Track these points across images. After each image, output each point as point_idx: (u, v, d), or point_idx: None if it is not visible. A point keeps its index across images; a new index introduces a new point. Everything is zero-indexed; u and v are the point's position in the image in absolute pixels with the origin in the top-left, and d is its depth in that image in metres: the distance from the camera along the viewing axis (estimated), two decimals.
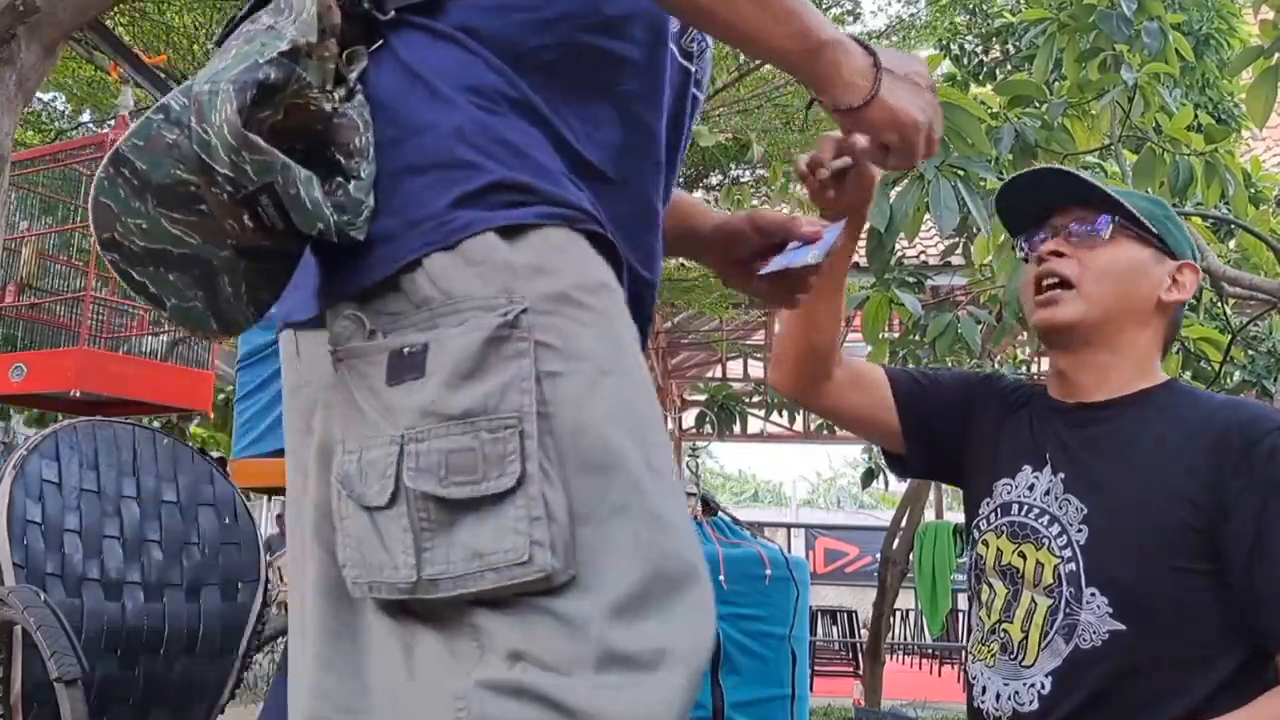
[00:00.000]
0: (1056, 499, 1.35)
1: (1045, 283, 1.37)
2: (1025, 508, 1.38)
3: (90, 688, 1.67)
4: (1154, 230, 1.36)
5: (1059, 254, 1.36)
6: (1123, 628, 1.26)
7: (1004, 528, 1.39)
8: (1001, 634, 1.37)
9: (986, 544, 1.41)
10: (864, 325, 2.99)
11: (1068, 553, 1.31)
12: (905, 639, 10.64)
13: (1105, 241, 1.35)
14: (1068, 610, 1.30)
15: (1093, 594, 1.28)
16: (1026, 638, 1.33)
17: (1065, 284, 1.35)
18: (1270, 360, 4.62)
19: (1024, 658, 1.33)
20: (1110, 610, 1.27)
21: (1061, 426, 1.39)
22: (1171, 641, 1.25)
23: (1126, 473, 1.31)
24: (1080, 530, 1.31)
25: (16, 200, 3.43)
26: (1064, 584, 1.31)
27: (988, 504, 1.43)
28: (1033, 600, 1.34)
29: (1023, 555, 1.36)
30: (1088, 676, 1.28)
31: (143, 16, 6.55)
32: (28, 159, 3.51)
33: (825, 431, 11.88)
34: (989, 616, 1.39)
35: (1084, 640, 1.28)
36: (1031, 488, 1.38)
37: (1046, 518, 1.35)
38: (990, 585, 1.40)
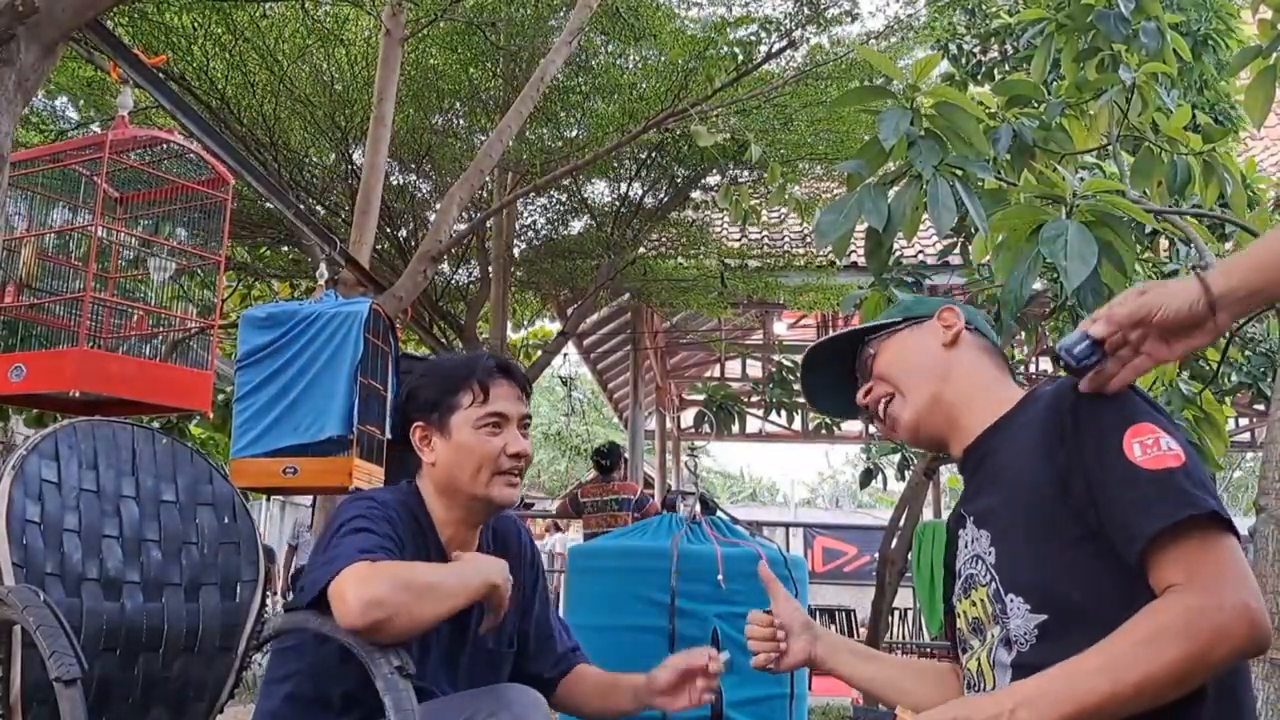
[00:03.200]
0: (975, 540, 1.44)
1: (878, 413, 1.59)
2: (964, 562, 1.47)
3: (89, 687, 1.67)
4: (898, 318, 1.60)
5: (868, 391, 1.59)
6: (1045, 617, 1.31)
7: (960, 591, 1.48)
8: (969, 676, 1.45)
9: (956, 613, 1.51)
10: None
11: (987, 577, 1.40)
12: (904, 638, 10.63)
13: (881, 354, 1.58)
14: (1002, 625, 1.37)
15: (1011, 599, 1.35)
16: (983, 667, 1.41)
17: (887, 403, 1.58)
18: (1266, 361, 4.62)
19: (984, 685, 1.40)
20: (1029, 606, 1.33)
21: (966, 480, 1.52)
22: (1093, 612, 1.28)
23: (1004, 486, 1.40)
24: (990, 553, 1.40)
25: (15, 200, 3.43)
26: (994, 604, 1.38)
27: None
28: (990, 635, 1.40)
29: (974, 603, 1.44)
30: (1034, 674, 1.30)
31: (143, 17, 6.55)
32: (27, 159, 3.50)
33: (824, 431, 11.90)
34: (969, 669, 1.46)
35: (1021, 644, 1.34)
36: (965, 544, 1.48)
37: (975, 559, 1.44)
38: (970, 647, 1.47)
